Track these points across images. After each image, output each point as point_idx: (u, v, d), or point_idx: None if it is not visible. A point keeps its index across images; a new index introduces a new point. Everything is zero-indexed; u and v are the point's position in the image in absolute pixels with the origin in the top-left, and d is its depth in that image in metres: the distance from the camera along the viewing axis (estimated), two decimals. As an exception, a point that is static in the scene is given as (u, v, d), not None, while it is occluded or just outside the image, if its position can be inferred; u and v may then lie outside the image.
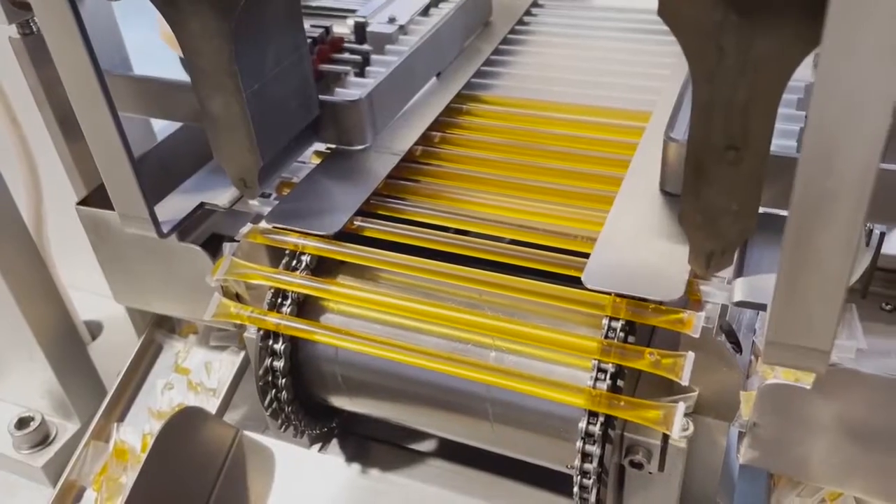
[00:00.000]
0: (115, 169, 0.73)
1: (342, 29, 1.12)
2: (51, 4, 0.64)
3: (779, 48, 0.49)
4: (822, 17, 0.42)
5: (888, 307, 0.77)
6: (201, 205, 0.82)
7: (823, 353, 0.53)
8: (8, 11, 0.83)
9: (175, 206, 0.82)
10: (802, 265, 0.50)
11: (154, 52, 1.29)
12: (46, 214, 1.07)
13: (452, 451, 0.85)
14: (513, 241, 0.77)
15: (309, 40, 0.99)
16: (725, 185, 0.57)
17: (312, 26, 1.06)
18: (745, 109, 0.52)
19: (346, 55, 1.05)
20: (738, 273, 0.64)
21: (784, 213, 0.66)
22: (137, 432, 0.94)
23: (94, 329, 1.15)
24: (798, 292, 0.51)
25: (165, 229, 0.78)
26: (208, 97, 0.73)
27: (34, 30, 0.89)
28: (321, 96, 0.86)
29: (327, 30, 1.05)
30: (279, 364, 0.76)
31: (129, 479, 0.90)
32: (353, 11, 1.19)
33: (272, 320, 0.75)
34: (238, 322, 0.77)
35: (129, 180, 0.73)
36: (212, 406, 0.94)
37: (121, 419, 0.98)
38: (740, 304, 0.62)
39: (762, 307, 0.61)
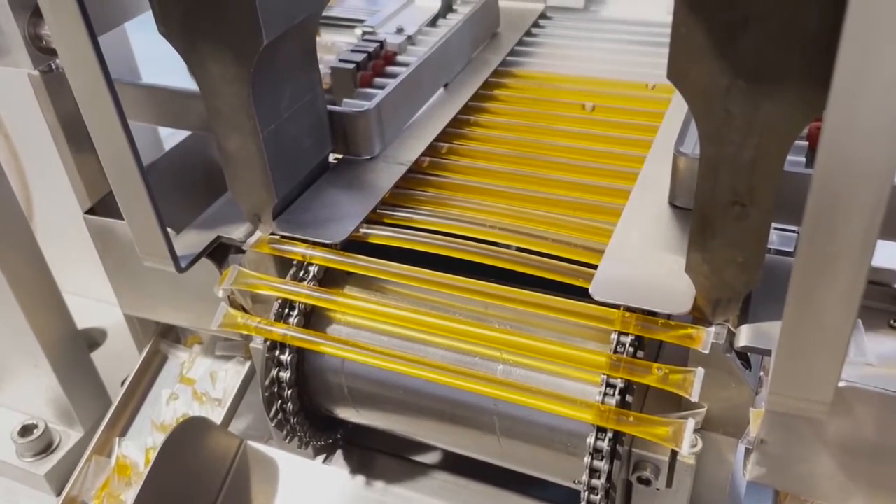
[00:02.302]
0: (138, 211, 0.74)
1: (348, 38, 1.12)
2: (64, 19, 0.64)
3: (784, 112, 0.50)
4: (826, 84, 0.43)
5: (896, 324, 0.77)
6: (217, 238, 0.83)
7: (825, 404, 0.55)
8: (34, 56, 0.84)
9: (192, 240, 0.82)
10: (805, 323, 0.51)
11: (159, 58, 1.30)
12: (37, 226, 1.08)
13: (457, 464, 0.85)
14: (519, 250, 0.77)
15: (364, 55, 1.01)
16: (731, 238, 0.58)
17: (365, 41, 1.07)
18: (750, 168, 0.54)
19: (399, 69, 1.05)
20: (743, 319, 0.65)
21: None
22: (140, 447, 0.93)
23: (98, 336, 1.15)
24: (800, 349, 0.53)
25: (183, 264, 0.79)
26: (225, 136, 0.74)
27: (53, 68, 0.90)
28: (330, 107, 0.86)
29: (381, 44, 1.06)
30: (285, 375, 0.76)
31: (130, 495, 0.89)
32: (362, 21, 1.20)
33: (278, 331, 0.74)
34: (244, 332, 0.76)
35: (150, 220, 0.73)
36: (217, 416, 0.94)
37: (125, 431, 0.98)
38: (745, 349, 0.63)
39: (766, 352, 0.62)
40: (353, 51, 1.04)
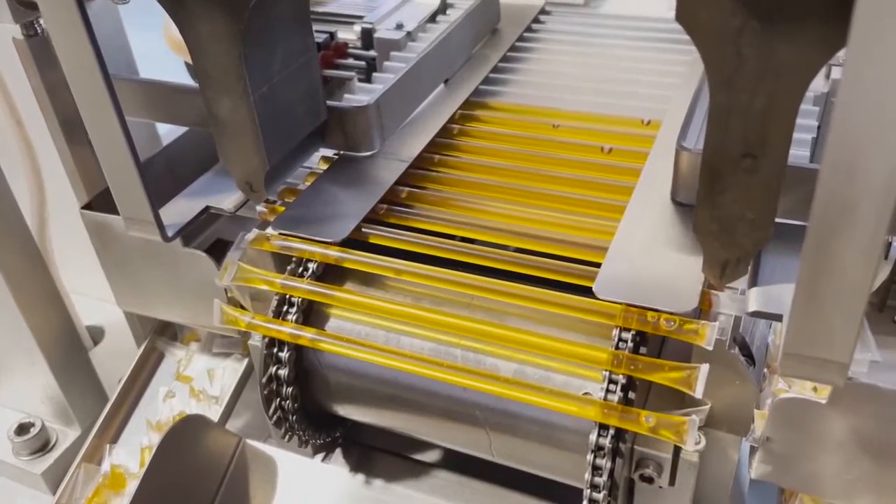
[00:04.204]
0: (121, 173, 0.73)
1: (348, 35, 1.11)
2: (59, 7, 0.63)
3: (800, 54, 0.48)
4: (844, 22, 0.41)
5: (901, 320, 0.76)
6: (206, 209, 0.81)
7: (842, 366, 0.52)
8: (15, 11, 0.82)
9: (180, 210, 0.81)
10: (822, 275, 0.49)
11: (158, 56, 1.29)
12: (49, 218, 1.06)
13: (458, 463, 0.84)
14: (521, 250, 0.76)
15: None
16: (741, 193, 0.56)
17: (317, 31, 1.06)
18: (763, 116, 0.51)
19: (351, 61, 1.05)
20: (753, 283, 0.63)
21: (794, 222, 0.66)
22: (133, 452, 0.92)
23: (96, 334, 1.14)
24: (817, 303, 0.50)
25: (170, 233, 0.77)
26: (215, 100, 0.72)
27: (38, 31, 0.88)
28: (329, 102, 0.85)
29: (332, 35, 1.05)
30: (284, 372, 0.75)
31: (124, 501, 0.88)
32: (361, 17, 1.19)
33: (275, 327, 0.73)
34: (244, 329, 0.76)
35: (134, 184, 0.72)
36: (214, 414, 0.93)
37: (120, 430, 0.96)
38: (755, 314, 0.61)
39: (777, 317, 0.60)
40: None
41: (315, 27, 1.07)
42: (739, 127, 0.52)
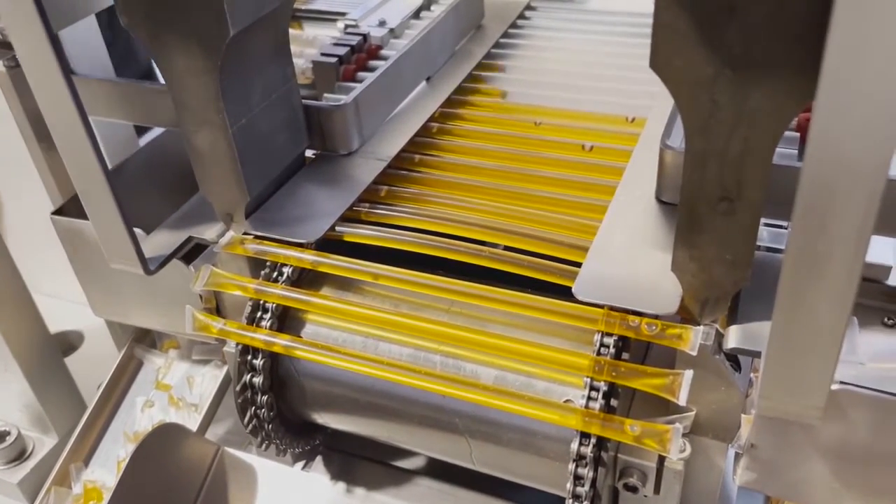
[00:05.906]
0: (99, 206, 0.71)
1: (331, 31, 1.09)
2: (19, 11, 0.61)
3: (773, 102, 0.48)
4: (817, 70, 0.41)
5: (890, 322, 0.75)
6: (189, 239, 0.80)
7: (817, 409, 0.53)
8: None
9: (162, 240, 0.79)
10: (795, 324, 0.50)
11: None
12: (7, 227, 1.05)
13: (440, 470, 0.82)
14: (503, 248, 0.74)
15: (347, 49, 0.98)
16: (719, 235, 0.56)
17: (348, 34, 1.04)
18: (738, 161, 0.52)
19: (380, 62, 1.03)
20: (732, 319, 0.62)
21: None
22: (110, 465, 0.89)
23: (75, 339, 1.12)
24: (791, 352, 0.51)
25: (152, 266, 0.76)
26: (194, 132, 0.71)
27: (18, 62, 0.88)
28: (306, 101, 0.83)
29: (365, 38, 1.03)
30: (258, 380, 0.73)
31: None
32: (344, 14, 1.17)
33: (248, 334, 0.71)
34: (215, 336, 0.74)
35: (115, 221, 0.71)
36: (194, 421, 0.91)
37: (97, 443, 0.94)
38: (734, 350, 0.61)
39: (756, 354, 0.60)
40: (335, 44, 1.02)
41: (348, 31, 1.06)
42: (715, 171, 0.53)
